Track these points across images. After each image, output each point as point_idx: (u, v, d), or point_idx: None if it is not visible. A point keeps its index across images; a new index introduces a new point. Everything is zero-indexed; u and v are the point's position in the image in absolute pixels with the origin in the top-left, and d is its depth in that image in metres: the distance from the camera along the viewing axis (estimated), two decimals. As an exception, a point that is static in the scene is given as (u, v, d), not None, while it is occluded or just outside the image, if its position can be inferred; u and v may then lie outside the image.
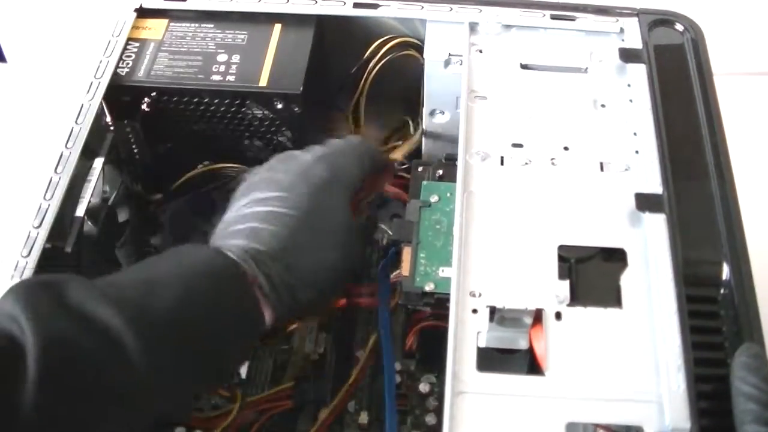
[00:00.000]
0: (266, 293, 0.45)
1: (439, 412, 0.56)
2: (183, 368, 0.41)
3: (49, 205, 0.52)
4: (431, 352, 0.57)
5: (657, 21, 0.61)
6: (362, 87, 0.64)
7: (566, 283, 0.46)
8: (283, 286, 0.45)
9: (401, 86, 0.66)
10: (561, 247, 0.48)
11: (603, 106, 0.56)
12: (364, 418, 0.56)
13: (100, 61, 0.60)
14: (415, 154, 0.65)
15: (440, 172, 0.56)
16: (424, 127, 0.64)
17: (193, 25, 0.63)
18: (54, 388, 0.35)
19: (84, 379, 0.36)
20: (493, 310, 0.45)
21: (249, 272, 0.44)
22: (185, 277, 0.42)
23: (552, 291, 0.46)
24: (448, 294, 0.46)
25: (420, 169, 0.57)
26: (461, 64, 0.58)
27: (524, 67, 0.58)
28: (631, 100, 0.56)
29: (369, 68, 0.64)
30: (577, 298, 0.46)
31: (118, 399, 0.38)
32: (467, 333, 0.44)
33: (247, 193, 0.49)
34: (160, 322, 0.40)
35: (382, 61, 0.63)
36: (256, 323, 0.44)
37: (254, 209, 0.48)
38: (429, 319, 0.55)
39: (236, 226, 0.47)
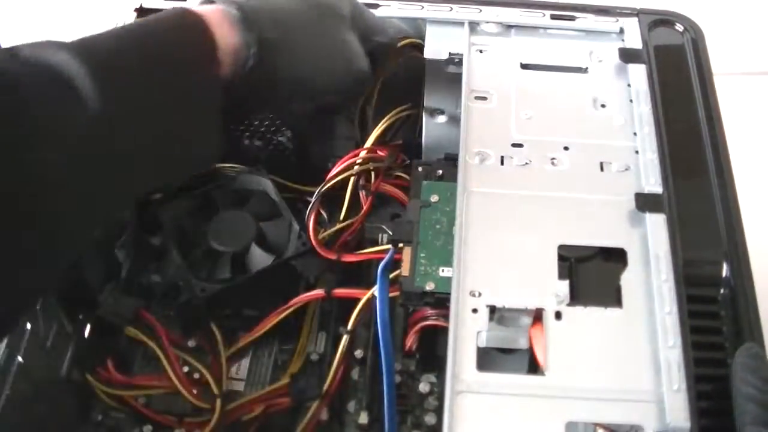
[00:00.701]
0: (249, 49, 0.44)
1: (439, 411, 0.56)
2: (143, 112, 0.39)
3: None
4: (431, 351, 0.57)
5: (657, 21, 0.61)
6: (370, 93, 0.64)
7: (566, 283, 0.46)
8: (259, 17, 0.45)
9: (404, 86, 0.65)
10: (561, 247, 0.48)
11: (603, 106, 0.56)
12: (363, 418, 0.56)
13: (101, 61, 0.60)
14: (415, 153, 0.65)
15: (440, 171, 0.56)
16: (424, 127, 0.64)
17: (193, 24, 0.63)
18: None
19: (22, 114, 0.35)
20: (493, 310, 0.45)
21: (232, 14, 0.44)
22: (149, 27, 0.42)
23: (552, 291, 0.46)
24: (449, 293, 0.46)
25: (420, 169, 0.57)
26: (461, 63, 0.58)
27: (524, 66, 0.58)
28: (631, 100, 0.56)
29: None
30: (577, 297, 0.46)
31: (69, 140, 0.36)
32: (467, 332, 0.44)
33: None
34: (109, 54, 0.39)
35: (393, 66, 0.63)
36: (212, 74, 0.43)
37: None
38: (429, 319, 0.55)
39: None
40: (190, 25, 0.43)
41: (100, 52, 0.38)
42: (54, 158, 0.36)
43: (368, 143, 0.61)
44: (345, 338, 0.55)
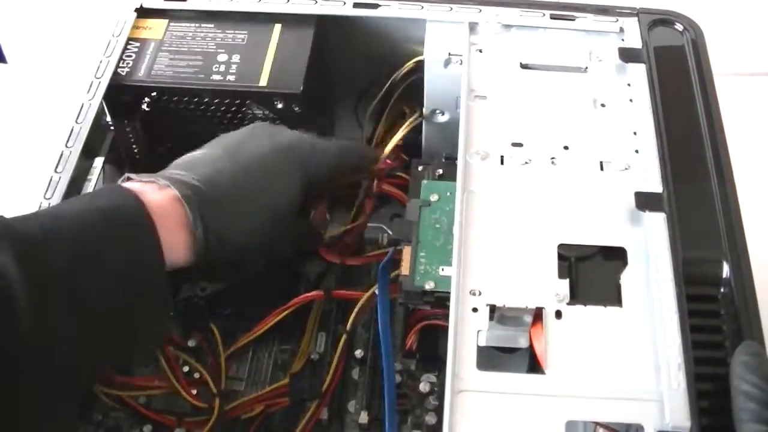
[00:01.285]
0: (193, 228, 0.45)
1: (439, 411, 0.56)
2: (78, 306, 0.40)
3: (49, 204, 0.52)
4: (431, 351, 0.57)
5: (657, 21, 0.61)
6: (390, 105, 0.64)
7: (566, 282, 0.46)
8: (213, 225, 0.46)
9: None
10: (561, 246, 0.48)
11: (603, 105, 0.56)
12: (364, 417, 0.56)
13: (101, 61, 0.60)
14: (415, 152, 0.65)
15: (440, 171, 0.56)
16: (424, 126, 0.64)
17: (193, 25, 0.63)
18: None
19: None
20: (493, 309, 0.45)
21: (181, 207, 0.45)
22: (87, 218, 0.43)
23: (552, 289, 0.46)
24: (449, 292, 0.46)
25: (420, 168, 0.57)
26: (461, 63, 0.58)
27: (524, 66, 0.58)
28: (630, 100, 0.56)
29: (394, 85, 0.63)
30: (577, 296, 0.46)
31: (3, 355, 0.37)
32: (467, 331, 0.44)
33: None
34: (50, 258, 0.40)
35: (410, 79, 0.63)
36: (155, 268, 0.44)
37: (200, 153, 0.50)
38: (429, 318, 0.55)
39: (179, 167, 0.49)
40: (137, 224, 0.43)
41: (39, 254, 0.39)
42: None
43: (387, 151, 0.61)
44: (343, 338, 0.55)
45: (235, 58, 0.61)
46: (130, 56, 0.61)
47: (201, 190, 0.47)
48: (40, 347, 0.38)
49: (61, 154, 0.55)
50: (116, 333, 0.43)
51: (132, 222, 0.43)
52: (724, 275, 0.48)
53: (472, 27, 0.61)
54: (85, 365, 0.43)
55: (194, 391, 0.56)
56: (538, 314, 0.45)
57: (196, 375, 0.57)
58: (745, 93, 0.89)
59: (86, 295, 0.41)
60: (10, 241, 0.38)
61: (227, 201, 0.48)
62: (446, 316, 0.45)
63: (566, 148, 0.53)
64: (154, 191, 0.46)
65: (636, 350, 0.44)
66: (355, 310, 0.55)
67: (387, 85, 0.63)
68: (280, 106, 0.60)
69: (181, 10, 0.64)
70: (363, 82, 0.68)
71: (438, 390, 0.57)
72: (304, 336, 0.59)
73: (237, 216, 0.48)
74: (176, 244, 0.45)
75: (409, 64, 0.62)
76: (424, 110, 0.63)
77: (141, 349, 0.50)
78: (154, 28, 0.63)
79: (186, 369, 0.57)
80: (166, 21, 0.63)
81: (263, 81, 0.60)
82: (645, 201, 0.49)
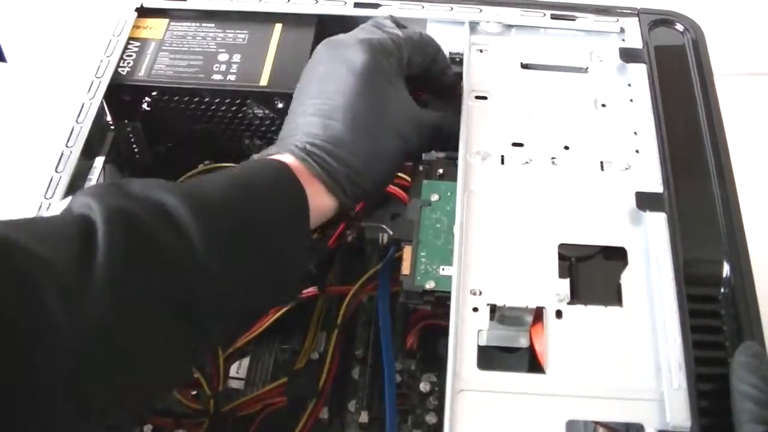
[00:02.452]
0: (328, 185, 0.47)
1: (439, 411, 0.56)
2: (238, 251, 0.42)
3: (50, 203, 0.52)
4: (432, 351, 0.57)
5: (657, 21, 0.61)
6: None
7: (567, 282, 0.46)
8: (342, 176, 0.48)
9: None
10: (561, 246, 0.48)
11: (603, 105, 0.56)
12: (364, 417, 0.56)
13: (101, 61, 0.60)
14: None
15: (441, 171, 0.56)
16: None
17: (193, 24, 0.63)
18: (118, 255, 0.38)
19: (144, 247, 0.39)
20: (493, 309, 0.45)
21: (308, 169, 0.47)
22: (237, 176, 0.45)
23: (552, 289, 0.46)
24: (449, 292, 0.46)
25: (420, 168, 0.57)
26: (462, 63, 0.58)
27: (525, 66, 0.58)
28: (631, 100, 0.56)
29: None
30: (577, 296, 0.46)
31: (177, 272, 0.39)
32: (468, 331, 0.44)
33: (298, 97, 0.52)
34: (213, 204, 0.42)
35: None
36: (304, 217, 0.46)
37: (306, 109, 0.50)
38: (429, 318, 0.55)
39: (291, 132, 0.50)
40: (287, 186, 0.46)
41: (204, 203, 0.42)
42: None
43: None
44: (335, 333, 0.55)
45: (236, 57, 0.61)
46: (131, 56, 0.61)
47: (320, 146, 0.48)
48: (208, 278, 0.40)
49: (62, 154, 0.55)
50: (264, 279, 0.45)
51: (281, 179, 0.46)
52: (725, 275, 0.48)
53: (473, 27, 0.61)
54: (245, 308, 0.45)
55: (194, 392, 0.56)
56: (538, 314, 0.45)
57: (196, 375, 0.57)
58: (746, 93, 0.89)
59: (244, 240, 0.43)
60: (171, 187, 0.42)
61: (347, 145, 0.48)
62: (447, 316, 0.45)
63: (567, 148, 0.53)
64: (291, 159, 0.47)
65: (636, 350, 0.44)
66: (345, 302, 0.54)
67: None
68: (280, 105, 0.60)
69: (181, 10, 0.64)
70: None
71: (438, 390, 0.57)
72: (310, 336, 0.59)
73: (367, 161, 0.49)
74: (319, 196, 0.47)
75: None
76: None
77: (290, 289, 0.50)
78: (155, 28, 0.63)
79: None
80: (167, 20, 0.63)
81: (264, 81, 0.60)
82: (645, 201, 0.49)
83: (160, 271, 0.39)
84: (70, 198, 0.45)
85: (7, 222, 0.38)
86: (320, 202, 0.47)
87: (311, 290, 0.57)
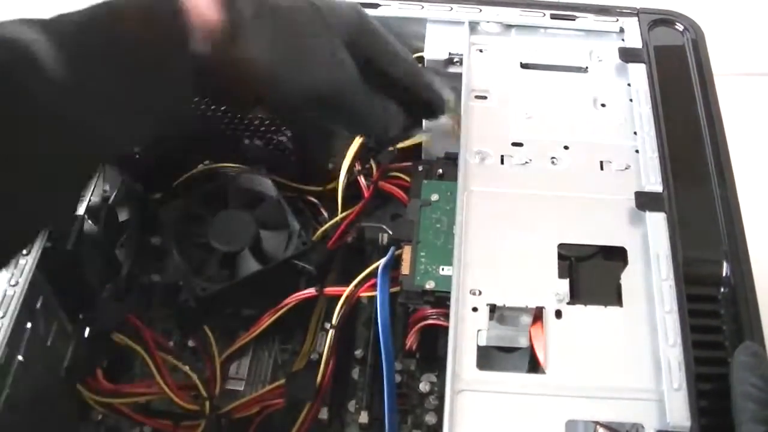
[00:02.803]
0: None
1: (439, 411, 0.56)
2: (109, 78, 0.39)
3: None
4: (431, 351, 0.57)
5: (657, 21, 0.61)
6: None
7: (566, 282, 0.46)
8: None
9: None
10: (561, 246, 0.48)
11: (603, 105, 0.56)
12: (364, 417, 0.56)
13: (101, 61, 0.60)
14: (416, 153, 0.64)
15: (440, 171, 0.56)
16: (424, 126, 0.64)
17: (193, 24, 0.63)
18: None
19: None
20: (493, 308, 0.45)
21: None
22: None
23: (552, 289, 0.46)
24: (449, 292, 0.46)
25: (420, 168, 0.57)
26: (461, 63, 0.58)
27: (524, 66, 0.58)
28: (631, 100, 0.56)
29: None
30: (577, 296, 0.46)
31: (39, 112, 0.36)
32: (467, 331, 0.44)
33: None
34: (78, 31, 0.39)
35: None
36: (181, 49, 0.41)
37: None
38: (429, 318, 0.55)
39: None
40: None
41: (66, 27, 0.39)
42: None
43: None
44: (330, 333, 0.55)
45: (236, 57, 0.61)
46: (131, 56, 0.61)
47: None
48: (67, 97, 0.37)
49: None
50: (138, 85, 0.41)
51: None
52: (725, 275, 0.47)
53: (473, 27, 0.61)
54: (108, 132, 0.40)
55: (193, 394, 0.56)
56: (538, 314, 0.45)
57: (193, 376, 0.57)
58: (746, 93, 0.89)
59: (116, 67, 0.39)
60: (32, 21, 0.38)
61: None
62: (446, 316, 0.45)
63: (566, 147, 0.53)
64: None
65: (636, 350, 0.44)
66: (340, 302, 0.54)
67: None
68: (280, 105, 0.59)
69: (181, 10, 0.64)
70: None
71: (438, 390, 0.57)
72: (310, 337, 0.59)
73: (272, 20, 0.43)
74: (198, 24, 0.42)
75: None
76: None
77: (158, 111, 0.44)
78: (155, 28, 0.63)
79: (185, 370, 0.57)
80: (167, 21, 0.63)
81: (263, 81, 0.59)
82: (645, 201, 0.49)
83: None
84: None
85: None
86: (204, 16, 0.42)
87: (307, 292, 0.57)
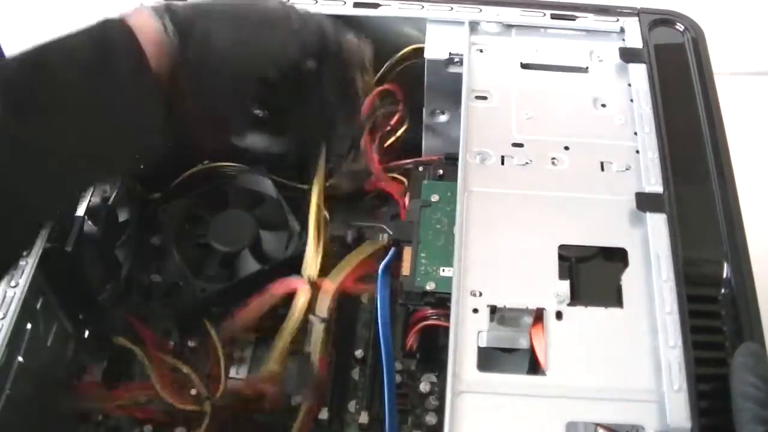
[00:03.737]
0: (166, 29, 0.43)
1: (439, 411, 0.56)
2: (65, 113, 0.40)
3: (49, 204, 0.52)
4: (432, 351, 0.57)
5: (657, 21, 0.61)
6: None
7: (567, 283, 0.46)
8: (188, 24, 0.44)
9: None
10: (561, 247, 0.48)
11: (603, 105, 0.56)
12: (364, 417, 0.56)
13: (101, 61, 0.60)
14: (415, 152, 0.64)
15: (440, 171, 0.56)
16: (424, 126, 0.64)
17: (193, 24, 0.63)
18: None
19: None
20: (493, 310, 0.45)
21: (152, 21, 0.43)
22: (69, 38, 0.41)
23: (553, 290, 0.46)
24: (449, 293, 0.46)
25: (420, 168, 0.57)
26: (462, 63, 0.58)
27: (525, 66, 0.58)
28: (631, 100, 0.56)
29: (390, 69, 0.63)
30: (577, 297, 0.46)
31: None
32: (468, 332, 0.44)
33: None
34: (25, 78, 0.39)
35: (404, 64, 0.63)
36: (138, 65, 0.42)
37: None
38: (429, 319, 0.55)
39: None
40: (107, 23, 0.43)
41: (11, 65, 0.39)
42: None
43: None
44: (322, 326, 0.55)
45: (235, 57, 0.61)
46: (130, 56, 0.61)
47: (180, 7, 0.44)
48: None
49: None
50: (102, 129, 0.41)
51: (111, 31, 0.42)
52: (725, 276, 0.48)
53: (473, 27, 0.61)
54: (71, 171, 0.42)
55: (193, 392, 0.56)
56: (538, 315, 0.45)
57: (193, 375, 0.57)
58: (746, 92, 0.89)
59: (64, 91, 0.40)
60: None
61: (211, 13, 0.45)
62: (447, 316, 0.45)
63: (567, 148, 0.53)
64: (137, 15, 0.44)
65: (636, 351, 0.44)
66: (331, 295, 0.54)
67: (383, 69, 0.63)
68: (280, 105, 0.59)
69: (181, 10, 0.64)
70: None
71: (438, 390, 0.57)
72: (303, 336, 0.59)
73: (221, 25, 0.45)
74: (152, 43, 0.42)
75: (407, 50, 0.62)
76: (424, 110, 0.63)
77: (128, 151, 0.45)
78: (154, 28, 0.63)
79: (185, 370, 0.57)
80: (166, 20, 0.63)
81: (263, 80, 0.59)
82: (646, 202, 0.49)
83: None
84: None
85: None
86: (148, 27, 0.43)
87: (299, 280, 0.56)
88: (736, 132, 0.57)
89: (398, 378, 0.57)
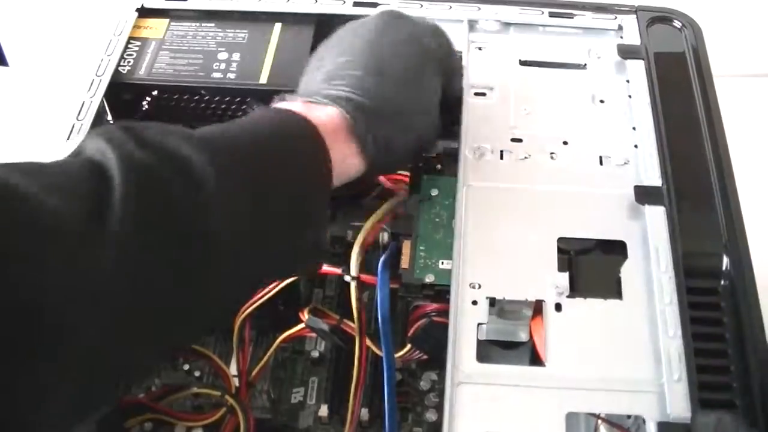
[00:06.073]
0: (364, 145, 0.46)
1: (440, 408, 0.55)
2: (258, 211, 0.41)
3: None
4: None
5: (655, 18, 0.62)
6: None
7: (566, 275, 0.46)
8: (381, 137, 0.46)
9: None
10: (561, 240, 0.48)
11: (602, 101, 0.56)
12: (364, 414, 0.56)
13: (102, 60, 0.60)
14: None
15: (439, 166, 0.56)
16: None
17: (193, 24, 0.63)
18: (136, 210, 0.36)
19: (160, 207, 0.37)
20: (493, 302, 0.45)
21: (349, 122, 0.45)
22: (257, 131, 0.44)
23: (552, 282, 0.46)
24: (448, 285, 0.46)
25: (420, 163, 0.57)
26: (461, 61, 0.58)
27: (523, 63, 0.59)
28: (629, 96, 0.56)
29: None
30: (577, 289, 0.46)
31: (191, 234, 0.38)
32: (467, 324, 0.44)
33: (323, 56, 0.51)
34: (233, 158, 0.40)
35: None
36: (323, 174, 0.44)
37: (340, 65, 0.49)
38: (430, 316, 0.55)
39: (330, 80, 0.48)
40: (307, 137, 0.44)
41: (221, 148, 0.40)
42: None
43: None
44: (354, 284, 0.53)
45: (236, 56, 0.61)
46: (131, 55, 0.61)
47: (360, 102, 0.46)
48: (227, 231, 0.39)
49: (63, 150, 0.55)
50: (282, 234, 0.43)
51: (302, 135, 0.44)
52: (724, 267, 0.47)
53: (472, 25, 0.61)
54: (256, 268, 0.43)
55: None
56: (538, 307, 0.45)
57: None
58: (746, 93, 0.89)
59: (263, 192, 0.41)
60: (188, 136, 0.40)
61: (388, 108, 0.47)
62: (447, 313, 0.45)
63: (566, 143, 0.53)
64: (317, 109, 0.46)
65: (636, 342, 0.44)
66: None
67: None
68: (280, 104, 0.60)
69: (182, 10, 0.64)
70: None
71: (439, 387, 0.57)
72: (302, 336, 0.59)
73: (400, 122, 0.48)
74: (349, 155, 0.46)
75: None
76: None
77: (306, 255, 0.47)
78: (155, 28, 0.63)
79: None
80: (167, 20, 0.64)
81: (263, 79, 0.60)
82: (644, 194, 0.49)
83: (173, 234, 0.37)
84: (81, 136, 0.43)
85: (13, 165, 0.35)
86: (346, 160, 0.46)
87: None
88: (736, 132, 0.57)
89: (398, 375, 0.57)
